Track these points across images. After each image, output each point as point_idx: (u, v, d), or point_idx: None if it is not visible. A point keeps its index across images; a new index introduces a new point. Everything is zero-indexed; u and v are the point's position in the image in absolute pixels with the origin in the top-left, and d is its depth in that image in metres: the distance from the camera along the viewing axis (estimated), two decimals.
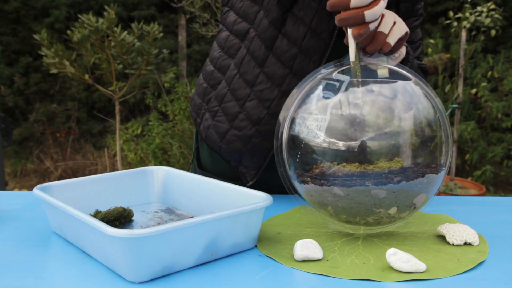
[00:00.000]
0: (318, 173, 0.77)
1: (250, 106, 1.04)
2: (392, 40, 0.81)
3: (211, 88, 1.11)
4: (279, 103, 1.01)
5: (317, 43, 0.99)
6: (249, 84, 1.04)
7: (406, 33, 0.84)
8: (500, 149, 4.20)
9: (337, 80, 0.80)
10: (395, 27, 0.82)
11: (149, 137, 4.01)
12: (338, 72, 0.81)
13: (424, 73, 1.09)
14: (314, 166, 0.78)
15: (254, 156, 1.06)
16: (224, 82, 1.08)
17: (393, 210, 0.77)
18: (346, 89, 0.78)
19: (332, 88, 0.80)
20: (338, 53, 0.94)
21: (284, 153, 0.83)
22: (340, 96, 0.78)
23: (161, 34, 3.31)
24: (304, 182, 0.80)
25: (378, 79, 0.80)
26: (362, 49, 0.83)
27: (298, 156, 0.80)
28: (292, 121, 0.82)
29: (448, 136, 0.80)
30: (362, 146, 0.75)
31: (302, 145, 0.79)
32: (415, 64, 1.02)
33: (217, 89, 1.09)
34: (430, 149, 0.78)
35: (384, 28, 0.81)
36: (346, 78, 0.79)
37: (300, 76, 0.98)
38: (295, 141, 0.81)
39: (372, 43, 0.80)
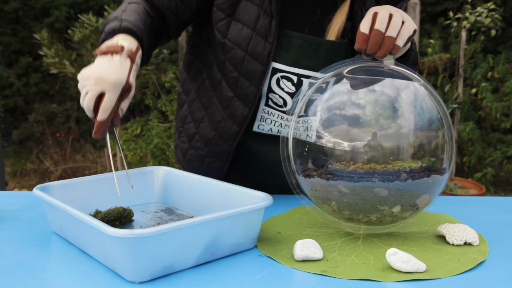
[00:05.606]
0: (324, 168, 0.78)
1: (203, 128, 1.09)
2: (401, 42, 0.82)
3: (180, 109, 1.17)
4: (224, 125, 1.05)
5: (256, 67, 1.00)
6: (204, 106, 1.08)
7: (415, 30, 0.85)
8: (500, 154, 4.19)
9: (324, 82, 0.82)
10: (403, 28, 0.82)
11: (148, 137, 4.00)
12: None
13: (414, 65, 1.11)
14: (320, 163, 0.79)
15: (210, 176, 1.07)
16: (186, 104, 1.14)
17: (397, 209, 0.77)
18: (333, 86, 0.80)
19: (320, 90, 0.82)
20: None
21: (290, 148, 0.84)
22: (342, 96, 0.79)
23: None
24: (309, 176, 0.80)
25: (397, 79, 0.82)
26: (368, 55, 0.83)
27: (304, 152, 0.81)
28: (295, 121, 0.83)
29: (452, 138, 0.81)
30: (368, 145, 0.75)
31: (307, 145, 0.80)
32: (414, 55, 1.02)
33: (181, 111, 1.15)
34: (436, 150, 0.79)
35: (392, 31, 0.81)
36: (331, 79, 0.81)
37: (242, 99, 1.01)
38: (299, 140, 0.82)
39: (381, 49, 0.81)
